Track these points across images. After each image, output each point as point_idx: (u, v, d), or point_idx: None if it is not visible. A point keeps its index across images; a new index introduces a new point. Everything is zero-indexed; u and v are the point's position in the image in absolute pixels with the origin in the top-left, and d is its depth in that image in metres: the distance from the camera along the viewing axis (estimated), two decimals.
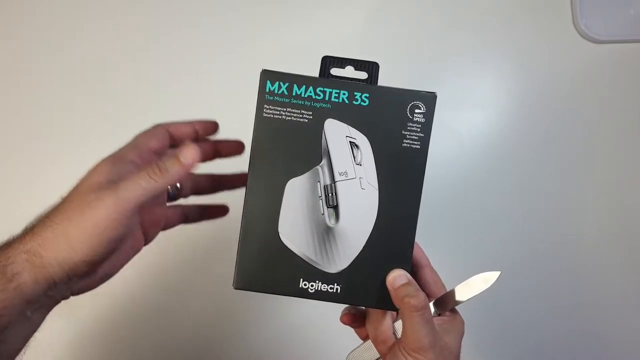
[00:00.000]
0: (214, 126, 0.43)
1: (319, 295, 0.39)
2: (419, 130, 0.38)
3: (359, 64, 0.39)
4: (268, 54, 0.70)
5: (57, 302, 0.36)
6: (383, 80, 0.39)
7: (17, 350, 0.34)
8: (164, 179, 0.35)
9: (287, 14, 0.71)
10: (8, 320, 0.32)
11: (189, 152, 0.36)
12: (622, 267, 0.68)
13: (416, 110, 0.38)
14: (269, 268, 0.39)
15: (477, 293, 0.40)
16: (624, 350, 0.67)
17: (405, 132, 0.38)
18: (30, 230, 0.34)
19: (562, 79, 0.70)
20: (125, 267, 0.39)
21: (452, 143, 0.69)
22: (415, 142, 0.38)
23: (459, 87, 0.70)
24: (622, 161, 0.69)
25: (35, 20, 0.71)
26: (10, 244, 0.34)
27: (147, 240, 0.41)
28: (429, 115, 0.38)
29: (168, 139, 0.40)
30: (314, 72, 0.39)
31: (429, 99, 0.38)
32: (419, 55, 0.71)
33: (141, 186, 0.34)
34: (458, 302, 0.40)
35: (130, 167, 0.36)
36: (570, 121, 0.70)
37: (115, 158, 0.37)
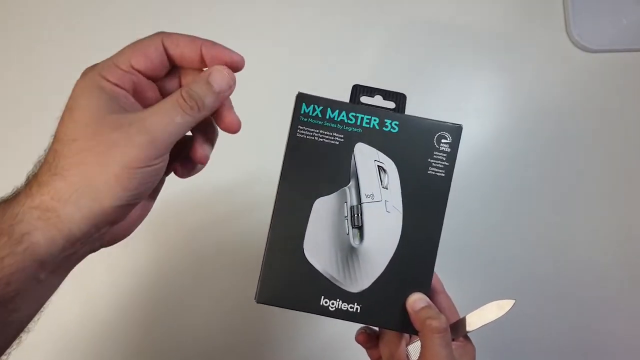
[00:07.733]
0: (235, 63, 0.32)
1: (339, 314, 0.39)
2: (444, 159, 0.40)
3: (387, 94, 0.41)
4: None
5: (81, 258, 0.31)
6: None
7: (30, 317, 0.31)
8: (199, 113, 0.30)
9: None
10: (18, 287, 0.28)
11: (220, 77, 0.30)
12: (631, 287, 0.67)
13: (442, 140, 0.40)
14: (292, 284, 0.39)
15: (491, 320, 0.41)
16: None
17: (431, 161, 0.40)
18: (34, 181, 0.29)
19: (555, 88, 0.71)
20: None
21: None
22: (440, 171, 0.40)
23: (451, 98, 0.71)
24: (619, 169, 0.70)
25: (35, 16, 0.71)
26: (14, 198, 0.29)
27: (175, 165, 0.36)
28: (455, 145, 0.40)
29: (164, 61, 0.32)
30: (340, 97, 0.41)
31: (455, 130, 0.40)
32: (413, 63, 0.72)
33: (175, 122, 0.29)
34: (472, 329, 0.41)
35: (125, 96, 0.30)
36: (564, 130, 0.70)
37: (102, 82, 0.30)
